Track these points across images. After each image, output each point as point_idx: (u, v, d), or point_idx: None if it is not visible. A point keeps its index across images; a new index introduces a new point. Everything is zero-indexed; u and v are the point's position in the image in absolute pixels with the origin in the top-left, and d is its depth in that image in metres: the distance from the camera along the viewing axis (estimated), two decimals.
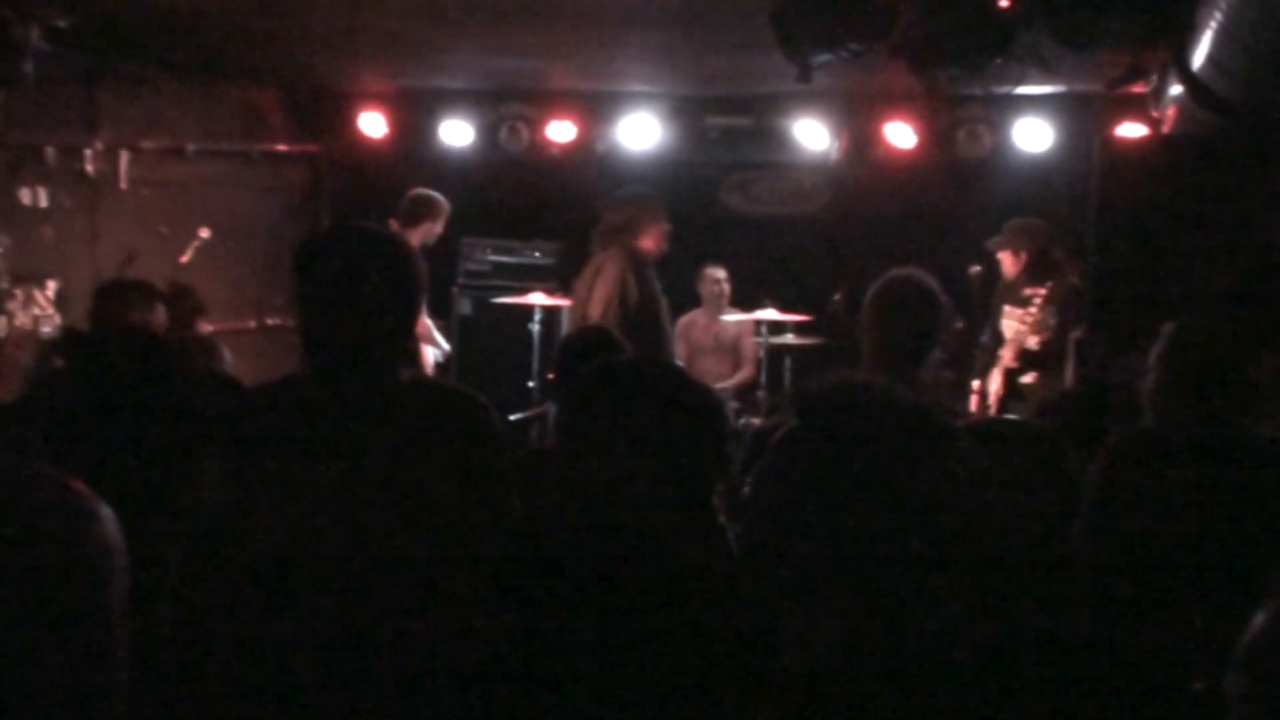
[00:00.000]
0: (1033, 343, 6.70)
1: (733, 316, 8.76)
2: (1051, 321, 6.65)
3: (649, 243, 6.92)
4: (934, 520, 1.57)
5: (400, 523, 2.59)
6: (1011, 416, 5.53)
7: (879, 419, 1.61)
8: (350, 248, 2.79)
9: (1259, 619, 1.30)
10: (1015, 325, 6.84)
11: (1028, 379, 6.76)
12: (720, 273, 8.95)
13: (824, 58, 4.22)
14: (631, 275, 6.76)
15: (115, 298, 4.66)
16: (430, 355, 7.97)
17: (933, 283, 4.01)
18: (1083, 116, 8.43)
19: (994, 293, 7.38)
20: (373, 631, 2.50)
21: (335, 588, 2.50)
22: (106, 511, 1.48)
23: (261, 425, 2.69)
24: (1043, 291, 6.71)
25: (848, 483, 1.57)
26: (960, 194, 9.18)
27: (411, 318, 2.86)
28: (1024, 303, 6.85)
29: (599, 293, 6.73)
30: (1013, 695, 1.66)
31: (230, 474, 2.62)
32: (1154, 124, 7.20)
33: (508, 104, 9.25)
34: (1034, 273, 6.98)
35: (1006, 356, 6.79)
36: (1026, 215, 7.34)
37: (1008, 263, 7.18)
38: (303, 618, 2.47)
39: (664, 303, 7.05)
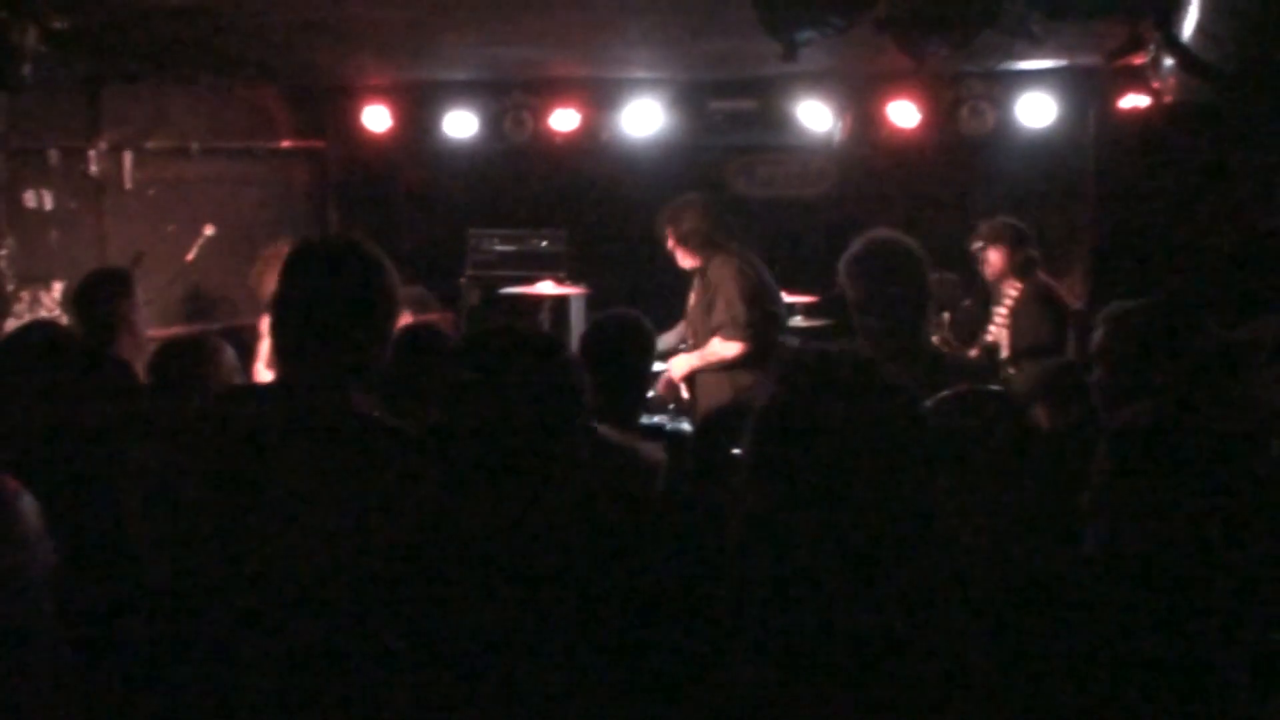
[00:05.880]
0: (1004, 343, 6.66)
1: None
2: (1024, 323, 6.61)
3: None
4: (902, 495, 1.65)
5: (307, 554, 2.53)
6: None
7: (855, 395, 1.68)
8: (331, 261, 2.76)
9: None
10: (995, 327, 6.81)
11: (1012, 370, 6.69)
12: None
13: (808, 34, 4.18)
14: None
15: (90, 290, 4.64)
16: None
17: (911, 241, 3.94)
18: (1086, 90, 8.37)
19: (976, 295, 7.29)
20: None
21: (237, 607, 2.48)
22: (29, 501, 1.53)
23: (196, 441, 2.67)
24: (1014, 292, 6.73)
25: (821, 451, 1.64)
26: (965, 171, 9.16)
27: (383, 337, 2.81)
28: (1001, 300, 6.82)
29: None
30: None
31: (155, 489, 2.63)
32: (1155, 95, 7.15)
33: (511, 94, 9.22)
34: (1014, 270, 6.90)
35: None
36: (1031, 190, 7.24)
37: (994, 260, 6.98)
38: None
39: None
